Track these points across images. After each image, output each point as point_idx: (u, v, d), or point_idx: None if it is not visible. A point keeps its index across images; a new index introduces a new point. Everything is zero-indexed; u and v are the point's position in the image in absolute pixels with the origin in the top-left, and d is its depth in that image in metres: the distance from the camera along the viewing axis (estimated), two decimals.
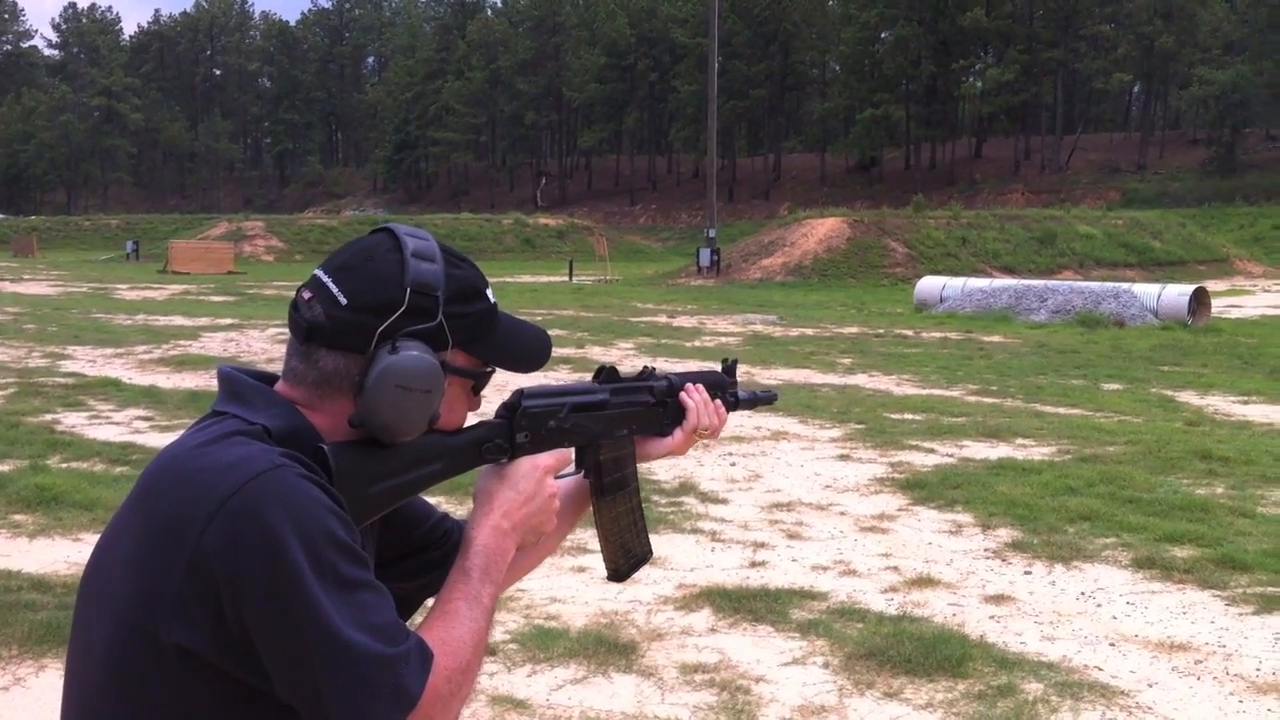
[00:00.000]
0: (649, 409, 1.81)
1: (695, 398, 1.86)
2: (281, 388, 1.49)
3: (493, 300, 1.56)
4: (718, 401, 1.92)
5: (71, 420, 10.95)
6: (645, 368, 1.89)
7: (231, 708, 1.34)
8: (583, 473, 1.75)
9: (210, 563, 1.29)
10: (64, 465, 8.73)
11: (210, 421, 1.45)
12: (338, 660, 1.28)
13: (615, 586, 5.91)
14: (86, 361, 15.87)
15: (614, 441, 1.76)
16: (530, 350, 1.60)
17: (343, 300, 1.43)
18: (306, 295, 1.46)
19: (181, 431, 1.50)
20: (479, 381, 1.57)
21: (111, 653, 1.37)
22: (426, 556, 1.72)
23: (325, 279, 1.46)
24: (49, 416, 11.11)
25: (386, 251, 1.47)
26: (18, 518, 7.19)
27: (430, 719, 1.35)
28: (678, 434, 1.85)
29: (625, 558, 1.81)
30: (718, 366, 2.05)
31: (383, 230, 1.52)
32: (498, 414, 1.60)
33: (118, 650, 1.36)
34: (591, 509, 1.78)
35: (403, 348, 1.42)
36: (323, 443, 1.41)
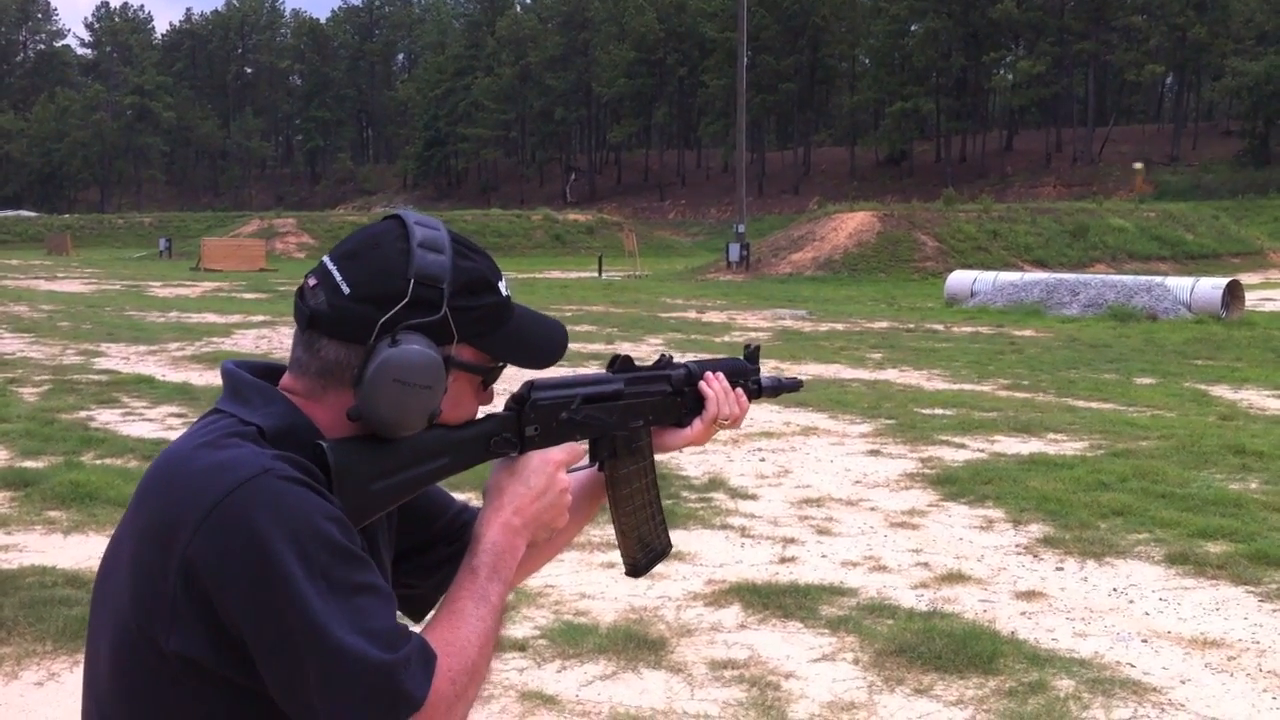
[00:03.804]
0: (666, 398, 1.75)
1: (715, 386, 1.79)
2: (287, 379, 1.46)
3: (505, 294, 1.50)
4: (739, 390, 1.84)
5: (105, 417, 11.05)
6: (662, 355, 1.82)
7: (237, 714, 1.33)
8: (596, 466, 1.70)
9: (199, 571, 1.26)
10: (98, 462, 8.81)
11: (210, 420, 1.43)
12: (334, 667, 1.25)
13: (644, 582, 5.91)
14: (120, 359, 15.99)
15: (629, 433, 1.69)
16: (542, 347, 1.54)
17: (345, 289, 1.39)
18: (311, 282, 1.42)
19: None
20: (488, 377, 1.51)
21: (117, 659, 1.35)
22: (445, 550, 1.67)
23: (331, 266, 1.42)
24: (83, 413, 11.21)
25: (393, 240, 1.42)
26: (52, 514, 7.26)
27: None
28: (697, 424, 1.78)
29: (643, 552, 1.76)
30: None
31: (393, 217, 1.46)
32: (506, 406, 1.55)
33: (122, 657, 1.35)
34: (607, 502, 1.73)
35: (403, 341, 1.38)
36: (321, 440, 1.37)
